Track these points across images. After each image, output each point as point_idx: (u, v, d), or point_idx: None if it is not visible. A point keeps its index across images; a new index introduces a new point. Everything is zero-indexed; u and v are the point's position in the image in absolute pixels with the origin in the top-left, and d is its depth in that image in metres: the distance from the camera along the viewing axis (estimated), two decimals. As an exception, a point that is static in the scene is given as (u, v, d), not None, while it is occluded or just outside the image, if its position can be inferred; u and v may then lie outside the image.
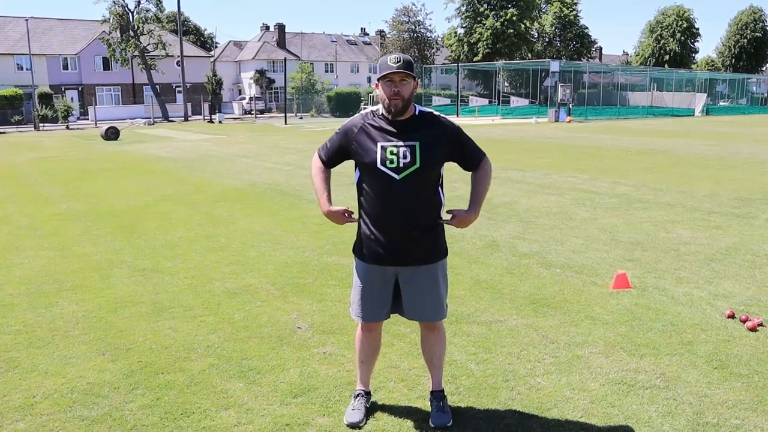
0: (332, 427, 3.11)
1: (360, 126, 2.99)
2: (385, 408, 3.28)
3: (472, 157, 3.08)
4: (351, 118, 3.09)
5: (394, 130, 2.91)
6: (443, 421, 3.11)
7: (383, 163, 2.88)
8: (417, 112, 2.97)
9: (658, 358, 3.83)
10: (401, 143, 2.89)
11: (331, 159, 3.10)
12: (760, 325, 4.29)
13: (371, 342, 3.24)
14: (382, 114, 2.95)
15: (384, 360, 3.83)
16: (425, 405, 3.30)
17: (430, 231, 2.99)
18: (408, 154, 2.87)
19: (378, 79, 2.89)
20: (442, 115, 3.04)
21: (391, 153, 2.88)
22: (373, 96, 52.37)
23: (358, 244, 3.09)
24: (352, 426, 3.09)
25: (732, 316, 4.48)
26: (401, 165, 2.87)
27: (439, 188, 3.04)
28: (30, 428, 3.11)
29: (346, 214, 3.03)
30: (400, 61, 2.85)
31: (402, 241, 2.94)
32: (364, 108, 2.98)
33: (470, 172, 3.14)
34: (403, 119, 2.92)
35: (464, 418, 3.19)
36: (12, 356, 3.97)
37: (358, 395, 3.25)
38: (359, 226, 3.08)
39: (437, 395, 3.22)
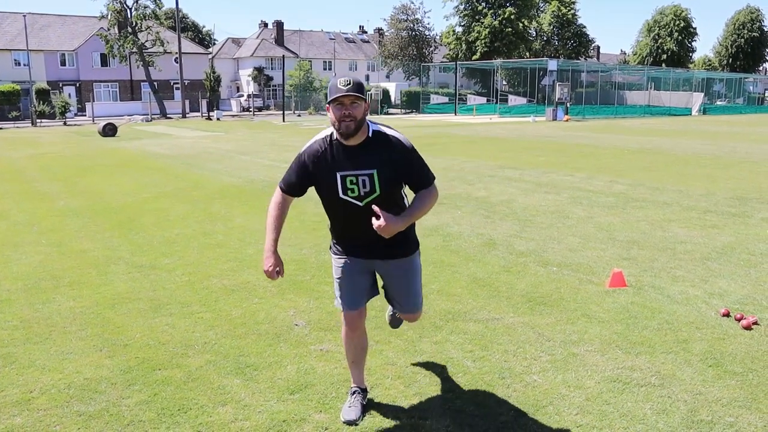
0: (329, 423, 3.12)
1: (318, 154, 2.96)
2: (381, 405, 3.30)
3: (420, 182, 3.00)
4: (308, 143, 3.02)
5: (351, 158, 2.91)
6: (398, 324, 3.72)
7: (344, 193, 2.94)
8: (371, 133, 2.93)
9: (653, 356, 3.85)
10: (359, 171, 2.90)
11: (294, 189, 3.11)
12: (755, 323, 4.31)
13: (356, 341, 3.22)
14: (337, 138, 2.92)
15: (381, 357, 3.85)
16: (422, 402, 3.32)
17: (396, 235, 3.00)
18: (367, 182, 2.91)
19: (328, 103, 2.86)
20: (396, 135, 2.96)
21: (351, 183, 2.92)
22: (370, 94, 52.38)
23: (333, 247, 3.23)
24: (348, 423, 3.10)
25: (727, 315, 4.50)
26: (362, 194, 2.93)
27: (403, 197, 3.09)
28: (27, 423, 3.12)
29: (276, 271, 3.09)
30: (349, 84, 2.82)
31: (370, 245, 3.06)
32: (322, 133, 2.97)
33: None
34: (358, 143, 2.90)
35: (460, 415, 3.21)
36: (9, 351, 3.98)
37: (354, 392, 3.27)
38: (331, 234, 3.22)
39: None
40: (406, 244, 3.14)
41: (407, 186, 3.03)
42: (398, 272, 3.17)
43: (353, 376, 3.32)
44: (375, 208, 2.87)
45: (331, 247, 3.27)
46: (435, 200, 3.06)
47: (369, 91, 53.20)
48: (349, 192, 2.93)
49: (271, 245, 3.11)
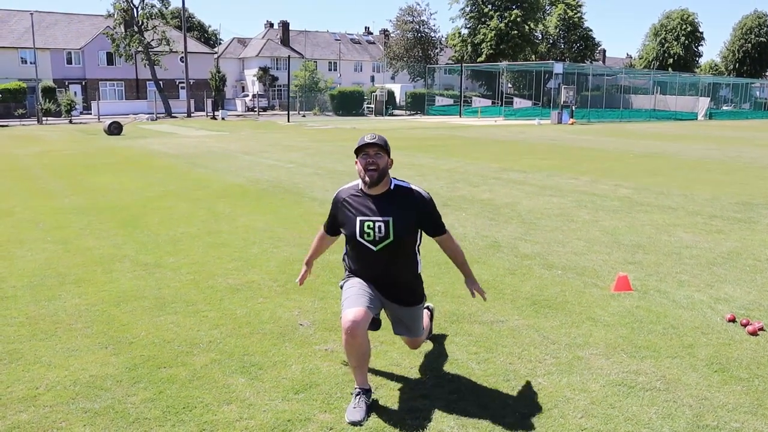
0: (333, 423, 3.12)
1: (345, 199, 3.38)
2: (386, 406, 3.30)
3: (438, 227, 3.43)
4: (340, 189, 3.47)
5: (372, 206, 3.28)
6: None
7: (361, 236, 3.29)
8: (392, 186, 3.32)
9: (658, 361, 3.84)
10: (377, 218, 3.26)
11: (330, 227, 3.58)
12: (761, 329, 4.30)
13: (357, 348, 3.19)
14: (361, 189, 3.32)
15: (385, 358, 3.85)
16: (426, 403, 3.32)
17: (407, 285, 3.45)
18: (383, 228, 3.25)
19: (356, 153, 3.25)
20: (416, 188, 3.37)
21: (368, 227, 3.26)
22: (375, 95, 52.40)
23: (349, 270, 3.53)
24: (353, 424, 3.10)
25: (733, 320, 4.49)
26: (377, 238, 3.27)
27: (416, 251, 3.45)
28: (33, 420, 3.13)
29: (300, 279, 3.83)
30: (375, 138, 3.24)
31: (382, 288, 3.40)
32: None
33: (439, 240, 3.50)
34: (380, 194, 3.29)
35: (465, 417, 3.20)
36: (15, 348, 3.99)
37: (358, 393, 3.26)
38: (347, 259, 3.54)
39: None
40: (414, 296, 3.50)
41: (425, 232, 3.43)
42: (405, 315, 3.49)
43: (356, 379, 3.32)
44: (473, 288, 3.53)
45: (345, 269, 3.57)
46: (459, 245, 3.60)
47: (374, 92, 53.25)
48: (365, 236, 3.28)
49: (307, 260, 3.85)
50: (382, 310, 3.47)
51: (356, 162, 3.27)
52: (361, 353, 3.22)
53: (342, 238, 3.51)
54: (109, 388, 3.46)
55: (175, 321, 4.48)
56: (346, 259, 3.54)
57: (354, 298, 3.25)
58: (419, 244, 3.46)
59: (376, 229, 3.24)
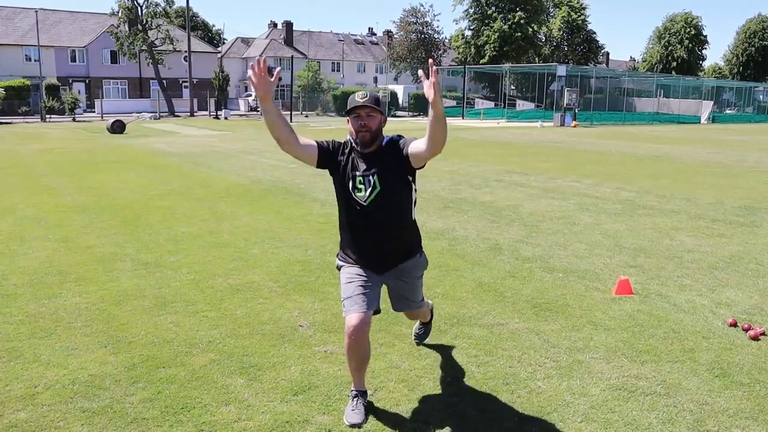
0: (332, 425, 3.11)
1: (339, 149, 3.25)
2: (385, 408, 3.29)
3: (409, 145, 3.15)
4: (342, 141, 3.31)
5: (363, 163, 3.18)
6: (419, 340, 4.07)
7: (353, 191, 3.20)
8: (384, 143, 3.21)
9: (659, 365, 3.83)
10: (365, 173, 3.17)
11: (314, 144, 3.23)
12: (763, 334, 4.28)
13: (359, 351, 3.18)
14: (354, 146, 3.21)
15: (385, 360, 3.84)
16: (425, 406, 3.31)
17: (401, 237, 3.32)
18: (372, 180, 3.16)
19: (347, 114, 3.13)
20: (393, 136, 3.26)
21: (360, 182, 3.18)
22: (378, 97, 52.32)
23: (342, 256, 3.39)
24: (353, 426, 3.09)
25: (734, 325, 4.47)
26: (367, 192, 3.17)
27: (412, 212, 3.32)
28: (31, 418, 3.13)
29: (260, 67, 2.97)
30: (366, 97, 3.12)
31: (378, 255, 3.27)
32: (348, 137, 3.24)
33: (426, 147, 3.06)
34: (372, 151, 3.17)
35: (463, 420, 3.19)
36: (14, 346, 3.99)
37: (355, 396, 3.25)
38: (341, 239, 3.40)
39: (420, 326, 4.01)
40: (411, 246, 3.39)
41: (414, 158, 3.12)
42: (407, 277, 3.39)
43: (354, 381, 3.31)
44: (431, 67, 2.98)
45: (339, 256, 3.43)
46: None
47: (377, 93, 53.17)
48: (356, 191, 3.18)
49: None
50: (382, 287, 3.37)
51: (348, 121, 3.17)
52: (362, 357, 3.21)
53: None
54: (107, 388, 3.45)
55: (175, 321, 4.47)
56: (341, 228, 3.38)
57: (355, 298, 3.18)
58: (415, 190, 3.29)
59: (366, 183, 3.16)
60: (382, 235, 3.23)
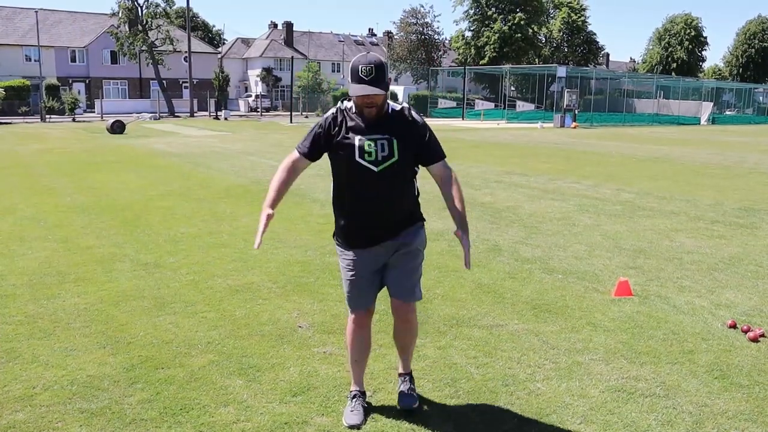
0: (331, 426, 3.11)
1: (337, 120, 2.99)
2: (384, 409, 3.28)
3: (435, 154, 3.02)
4: (328, 112, 3.07)
5: (369, 125, 2.93)
6: (409, 402, 3.23)
7: (361, 156, 2.91)
8: (389, 110, 2.98)
9: (658, 367, 3.82)
10: (378, 135, 2.91)
11: (313, 151, 3.06)
12: (762, 335, 4.28)
13: (362, 339, 3.23)
14: (356, 112, 2.96)
15: (384, 361, 3.84)
16: (424, 407, 3.30)
17: (405, 211, 3.08)
18: (386, 147, 2.91)
19: (350, 82, 2.87)
20: (413, 113, 3.02)
21: (369, 146, 2.91)
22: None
23: (338, 234, 3.16)
24: (351, 428, 3.08)
25: (733, 326, 4.46)
26: (379, 158, 2.91)
27: (415, 181, 3.11)
28: (29, 419, 3.12)
29: (260, 237, 2.91)
30: (371, 74, 2.82)
31: (379, 227, 3.02)
32: (340, 103, 3.00)
33: (437, 180, 3.06)
34: (376, 116, 2.95)
35: (463, 421, 3.19)
36: (13, 347, 3.98)
37: (354, 396, 3.25)
38: (336, 218, 3.15)
39: (405, 377, 3.34)
40: (412, 218, 3.13)
41: (421, 158, 3.02)
42: (404, 249, 3.08)
43: (354, 377, 3.31)
44: (458, 235, 2.91)
45: (335, 236, 3.20)
46: (459, 184, 3.06)
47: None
48: (366, 155, 2.91)
49: (270, 202, 3.01)
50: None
51: (350, 85, 2.90)
52: (365, 345, 3.26)
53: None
54: (106, 389, 3.44)
55: (174, 321, 4.47)
56: (336, 204, 3.15)
57: (355, 299, 3.15)
58: (416, 176, 3.12)
59: (379, 147, 2.90)
60: (388, 206, 2.99)
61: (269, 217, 2.95)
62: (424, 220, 3.20)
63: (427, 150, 3.00)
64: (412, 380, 3.36)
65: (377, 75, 2.82)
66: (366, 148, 2.90)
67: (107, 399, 3.33)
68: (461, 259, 6.00)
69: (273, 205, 3.00)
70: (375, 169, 2.90)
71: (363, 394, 3.30)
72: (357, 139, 2.92)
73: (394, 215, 3.03)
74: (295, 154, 3.10)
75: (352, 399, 3.24)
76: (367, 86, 2.82)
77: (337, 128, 2.98)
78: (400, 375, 3.39)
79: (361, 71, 2.82)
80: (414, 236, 3.10)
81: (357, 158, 2.91)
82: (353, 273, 3.11)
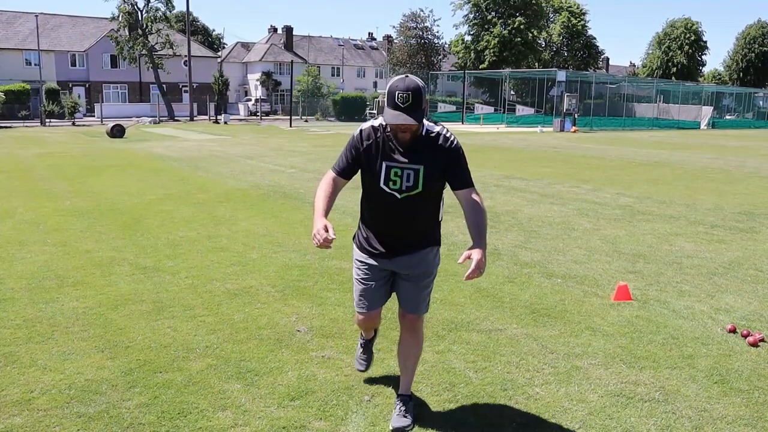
0: (329, 431, 3.10)
1: (369, 140, 2.94)
2: (383, 414, 3.27)
3: (463, 181, 2.96)
4: (361, 128, 3.00)
5: (400, 150, 2.89)
6: (402, 424, 3.13)
7: (386, 183, 2.91)
8: (423, 131, 2.90)
9: (657, 371, 3.82)
10: (406, 165, 2.88)
11: (346, 170, 3.01)
12: (762, 340, 4.27)
13: (371, 325, 3.44)
14: (387, 130, 2.91)
15: (383, 366, 3.83)
16: (423, 412, 3.30)
17: (425, 231, 3.10)
18: (411, 177, 2.89)
19: (386, 104, 2.79)
20: (447, 134, 2.93)
21: (395, 174, 2.89)
22: (378, 101, 52.43)
23: (358, 237, 3.20)
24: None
25: (733, 331, 4.46)
26: (403, 188, 2.90)
27: (440, 205, 3.13)
28: (27, 423, 3.11)
29: (328, 231, 2.75)
30: (408, 102, 2.73)
31: (396, 243, 3.05)
32: (372, 117, 2.90)
33: (462, 202, 3.02)
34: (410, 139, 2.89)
35: (461, 426, 3.18)
36: (11, 350, 3.97)
37: (364, 343, 3.58)
38: (360, 222, 3.20)
39: (403, 399, 3.25)
40: (429, 239, 3.13)
41: (449, 183, 2.99)
42: (417, 269, 3.09)
43: (366, 333, 3.56)
44: (468, 257, 2.76)
45: (355, 237, 3.23)
46: (485, 207, 3.02)
47: (376, 98, 53.23)
48: (390, 183, 2.91)
49: (320, 212, 2.89)
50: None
51: (385, 109, 2.79)
52: (373, 327, 3.52)
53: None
54: (104, 393, 3.44)
55: (173, 325, 4.46)
56: (362, 209, 3.17)
57: (364, 298, 3.17)
58: (442, 193, 3.11)
59: (404, 177, 2.88)
60: (407, 226, 3.01)
61: (326, 225, 2.79)
62: (440, 244, 3.21)
63: (454, 176, 2.96)
64: (409, 402, 3.25)
65: (414, 103, 2.74)
66: (392, 176, 2.90)
67: (105, 403, 3.32)
68: (461, 265, 6.00)
69: (325, 215, 2.91)
70: (398, 196, 2.92)
71: (369, 342, 3.62)
72: (385, 165, 2.90)
73: (412, 235, 3.05)
74: (331, 173, 3.05)
75: (362, 346, 3.57)
76: (401, 114, 2.74)
77: (368, 148, 2.94)
78: (398, 396, 3.27)
79: (398, 97, 2.74)
80: (428, 257, 3.12)
81: (381, 184, 2.92)
82: (363, 278, 3.14)
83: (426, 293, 3.17)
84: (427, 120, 2.92)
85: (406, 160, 2.88)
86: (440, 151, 2.90)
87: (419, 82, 2.80)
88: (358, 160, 2.97)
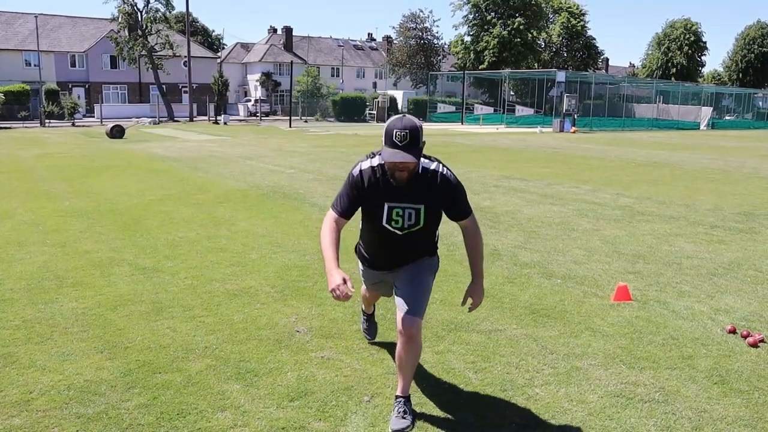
0: (329, 431, 3.10)
1: (369, 180, 3.03)
2: (383, 414, 3.27)
3: (462, 213, 3.16)
4: (358, 167, 3.07)
5: (401, 193, 3.00)
6: (401, 425, 3.10)
7: (388, 222, 3.06)
8: (420, 170, 3.00)
9: (657, 372, 3.81)
10: (407, 205, 3.02)
11: (346, 212, 3.08)
12: (762, 341, 4.27)
13: (375, 298, 3.88)
14: (387, 171, 2.99)
15: (383, 366, 3.82)
16: (422, 413, 3.29)
17: (423, 250, 3.31)
18: (413, 216, 3.04)
19: (384, 142, 2.89)
20: (444, 171, 3.05)
21: (397, 214, 3.04)
22: (377, 101, 52.44)
23: (360, 252, 3.47)
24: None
25: (733, 332, 4.45)
26: (405, 225, 3.06)
27: (437, 229, 3.30)
28: (26, 424, 3.11)
29: (346, 283, 2.79)
30: (406, 140, 2.82)
31: (397, 264, 3.28)
32: (369, 158, 3.10)
33: (460, 229, 3.27)
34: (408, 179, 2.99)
35: (461, 427, 3.17)
36: (10, 351, 3.97)
37: (366, 318, 4.03)
38: (359, 242, 3.44)
39: (402, 400, 3.22)
40: (426, 253, 3.32)
41: (449, 216, 3.17)
42: (415, 266, 3.25)
43: (366, 308, 3.96)
44: (473, 297, 3.24)
45: (357, 251, 3.49)
46: (481, 237, 3.27)
47: (376, 98, 53.25)
48: (392, 222, 3.06)
49: (333, 262, 2.91)
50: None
51: (383, 147, 2.90)
52: (374, 303, 3.95)
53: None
54: (103, 393, 3.43)
55: (172, 326, 4.45)
56: (360, 245, 3.40)
57: (372, 279, 3.55)
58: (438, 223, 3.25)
59: (406, 217, 3.02)
60: (407, 252, 3.22)
61: (344, 278, 2.82)
62: (435, 253, 3.38)
63: (455, 209, 3.13)
64: (408, 403, 3.22)
65: (411, 141, 2.84)
66: (394, 216, 3.04)
67: (104, 404, 3.31)
68: (460, 263, 5.98)
69: (336, 263, 2.94)
70: (399, 233, 3.09)
71: (370, 316, 4.04)
72: (386, 206, 3.02)
73: (412, 257, 3.24)
74: (333, 214, 3.10)
75: (365, 320, 3.99)
76: (399, 152, 2.83)
77: (369, 189, 3.03)
78: (396, 398, 3.24)
79: (395, 136, 2.83)
80: (426, 259, 3.31)
81: (384, 223, 3.06)
82: (368, 280, 3.55)
83: (422, 292, 3.17)
84: (423, 157, 3.02)
85: (407, 201, 3.01)
86: (440, 189, 3.04)
87: (416, 121, 2.92)
88: (359, 201, 3.06)
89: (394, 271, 3.28)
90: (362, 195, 3.04)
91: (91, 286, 5.34)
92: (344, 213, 3.07)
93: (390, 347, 4.08)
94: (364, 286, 3.69)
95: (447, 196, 3.05)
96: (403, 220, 3.03)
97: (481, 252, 3.23)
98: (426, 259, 3.28)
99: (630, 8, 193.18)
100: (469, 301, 3.24)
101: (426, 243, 3.26)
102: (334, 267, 2.88)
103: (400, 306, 3.15)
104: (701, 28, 75.26)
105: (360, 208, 3.13)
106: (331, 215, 3.09)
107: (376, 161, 3.03)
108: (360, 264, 3.51)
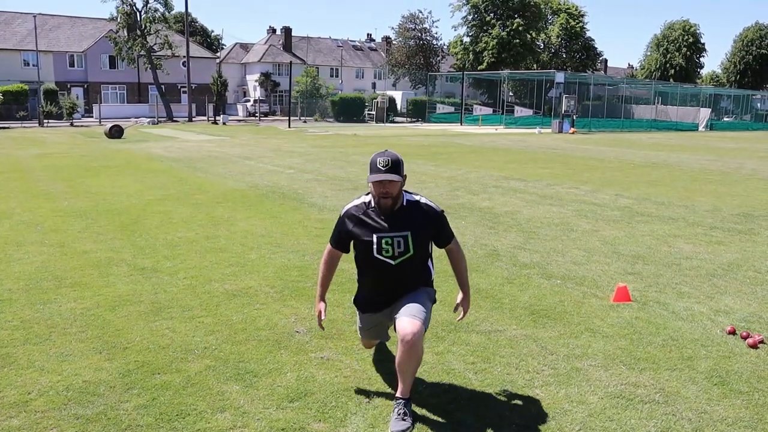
0: (328, 433, 3.09)
1: (357, 217, 3.34)
2: (382, 415, 3.26)
3: (446, 239, 3.49)
4: (349, 205, 3.42)
5: (387, 224, 3.27)
6: (400, 427, 3.09)
7: (379, 252, 3.28)
8: (405, 202, 3.32)
9: (657, 373, 3.81)
10: (395, 233, 3.27)
11: (341, 245, 3.47)
12: (761, 342, 4.26)
13: (372, 345, 4.01)
14: (375, 207, 3.30)
15: (382, 367, 3.82)
16: (422, 413, 3.28)
17: (417, 284, 3.45)
18: (402, 243, 3.27)
19: (370, 173, 3.23)
20: (428, 202, 3.39)
21: (387, 243, 3.27)
22: (376, 102, 52.44)
23: (358, 300, 3.60)
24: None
25: (733, 333, 4.45)
26: (396, 254, 3.28)
27: (430, 261, 3.51)
28: (24, 425, 3.09)
29: (320, 319, 3.53)
30: (388, 165, 3.17)
31: (394, 299, 3.39)
32: (357, 198, 3.47)
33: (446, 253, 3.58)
34: (394, 210, 3.29)
35: (461, 427, 3.17)
36: (8, 352, 3.96)
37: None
38: (358, 285, 3.60)
39: (402, 401, 3.20)
40: (424, 283, 3.50)
41: (435, 243, 3.47)
42: (413, 293, 3.40)
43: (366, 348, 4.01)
44: (458, 310, 3.57)
45: (356, 301, 3.62)
46: (463, 254, 3.59)
47: (375, 99, 53.25)
48: (383, 252, 3.27)
49: (320, 296, 3.56)
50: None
51: (369, 183, 3.25)
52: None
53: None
54: (102, 394, 3.42)
55: (171, 326, 4.44)
56: (358, 293, 3.61)
57: (370, 335, 3.70)
58: (431, 255, 3.53)
59: (395, 245, 3.25)
60: (402, 286, 3.36)
61: (323, 308, 3.53)
62: (431, 285, 3.56)
63: (441, 236, 3.45)
64: (408, 405, 3.21)
65: (393, 167, 3.18)
66: (384, 245, 3.27)
67: (103, 405, 3.30)
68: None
69: (323, 298, 3.56)
70: (392, 263, 3.28)
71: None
72: (375, 237, 3.27)
73: (408, 287, 3.39)
74: (329, 247, 3.52)
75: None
76: (382, 174, 3.16)
77: (356, 226, 3.34)
78: (396, 399, 3.23)
79: (379, 163, 3.19)
80: (421, 288, 3.45)
81: (375, 254, 3.28)
82: (368, 326, 3.61)
83: (423, 303, 3.31)
84: (407, 192, 3.37)
85: (394, 230, 3.26)
86: (424, 217, 3.34)
87: (398, 155, 3.28)
88: (350, 236, 3.39)
89: (391, 306, 3.39)
90: (351, 231, 3.35)
91: (89, 287, 5.33)
92: (338, 246, 3.48)
93: (390, 348, 4.07)
94: (363, 340, 3.82)
95: (432, 225, 3.36)
96: (393, 249, 3.25)
97: (466, 268, 3.58)
98: (422, 288, 3.43)
99: (629, 9, 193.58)
100: (460, 309, 3.57)
101: (420, 274, 3.43)
102: (318, 301, 3.57)
103: (401, 313, 3.23)
104: (700, 30, 75.33)
105: (354, 254, 3.43)
106: (328, 248, 3.53)
107: (362, 199, 3.39)
108: (357, 315, 3.64)
